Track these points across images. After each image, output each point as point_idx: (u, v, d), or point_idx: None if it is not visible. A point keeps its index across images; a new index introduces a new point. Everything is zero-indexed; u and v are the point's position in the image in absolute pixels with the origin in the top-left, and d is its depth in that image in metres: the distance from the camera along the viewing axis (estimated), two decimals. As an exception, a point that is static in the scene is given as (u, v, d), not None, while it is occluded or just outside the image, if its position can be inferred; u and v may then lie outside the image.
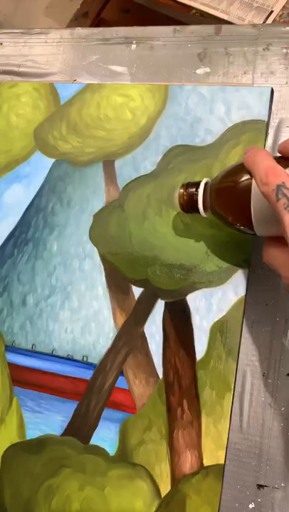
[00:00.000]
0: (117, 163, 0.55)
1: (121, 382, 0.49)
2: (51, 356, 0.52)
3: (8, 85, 0.62)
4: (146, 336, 0.49)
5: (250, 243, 0.48)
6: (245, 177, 0.40)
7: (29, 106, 0.61)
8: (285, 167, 0.37)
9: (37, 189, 0.58)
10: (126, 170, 0.54)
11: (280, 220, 0.35)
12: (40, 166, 0.58)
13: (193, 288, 0.49)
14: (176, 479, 0.45)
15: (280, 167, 0.36)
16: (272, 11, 0.87)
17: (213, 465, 0.44)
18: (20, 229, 0.57)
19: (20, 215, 0.57)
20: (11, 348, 0.53)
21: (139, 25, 0.60)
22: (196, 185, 0.46)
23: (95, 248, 0.53)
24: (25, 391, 0.52)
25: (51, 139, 0.58)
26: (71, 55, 0.61)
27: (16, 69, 0.63)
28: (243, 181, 0.40)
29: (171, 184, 0.52)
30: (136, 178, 0.54)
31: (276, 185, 0.35)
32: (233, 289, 0.47)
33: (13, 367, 0.53)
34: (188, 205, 0.46)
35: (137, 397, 0.48)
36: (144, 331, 0.49)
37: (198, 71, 0.55)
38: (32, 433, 0.50)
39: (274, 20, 0.86)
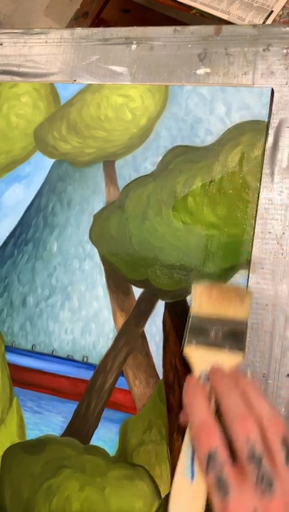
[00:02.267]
0: (118, 164, 0.55)
1: (121, 383, 0.49)
2: (51, 357, 0.52)
3: (8, 85, 0.62)
4: (147, 336, 0.49)
5: (250, 243, 0.48)
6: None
7: (29, 106, 0.61)
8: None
9: (37, 189, 0.58)
10: (126, 170, 0.54)
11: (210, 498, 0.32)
12: (41, 166, 0.58)
13: (193, 288, 0.49)
14: (176, 480, 0.45)
15: (214, 424, 0.33)
16: (272, 11, 0.87)
17: (213, 465, 0.44)
18: (21, 229, 0.57)
19: (20, 216, 0.57)
20: (11, 349, 0.53)
21: (139, 25, 0.60)
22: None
23: (95, 248, 0.53)
24: (25, 391, 0.52)
25: (51, 139, 0.58)
26: (71, 55, 0.61)
27: (15, 69, 0.63)
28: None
29: (171, 184, 0.52)
30: (136, 179, 0.54)
31: (208, 453, 0.32)
32: (233, 290, 0.47)
33: (13, 367, 0.53)
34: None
35: (137, 397, 0.48)
36: (145, 331, 0.49)
37: (198, 71, 0.55)
38: (32, 433, 0.50)
39: (274, 21, 0.86)
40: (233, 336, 0.39)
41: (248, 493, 0.30)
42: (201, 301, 0.40)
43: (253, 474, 0.30)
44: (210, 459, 0.32)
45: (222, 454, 0.32)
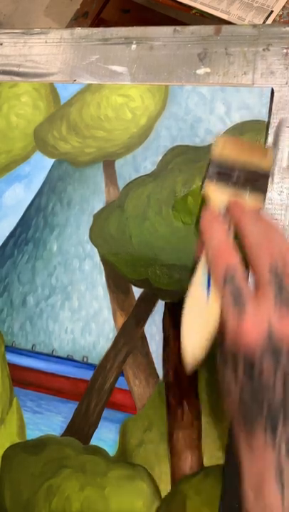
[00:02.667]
0: (118, 163, 0.55)
1: (121, 383, 0.49)
2: (51, 356, 0.52)
3: (8, 85, 0.62)
4: (147, 336, 0.49)
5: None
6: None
7: (29, 106, 0.61)
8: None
9: (37, 189, 0.58)
10: (126, 170, 0.54)
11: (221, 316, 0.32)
12: (40, 166, 0.58)
13: (193, 288, 0.49)
14: (176, 480, 0.45)
15: (233, 246, 0.33)
16: (272, 11, 0.87)
17: (213, 465, 0.44)
18: (21, 229, 0.57)
19: (20, 215, 0.57)
20: (11, 349, 0.53)
21: (139, 25, 0.60)
22: None
23: (95, 248, 0.53)
24: (25, 391, 0.52)
25: (51, 139, 0.58)
26: (71, 55, 0.61)
27: (15, 69, 0.63)
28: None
29: (171, 184, 0.52)
30: (136, 178, 0.54)
31: (225, 268, 0.32)
32: (234, 290, 0.47)
33: (13, 367, 0.53)
34: None
35: (137, 397, 0.48)
36: (145, 331, 0.49)
37: (198, 71, 0.55)
38: (32, 433, 0.50)
39: (274, 21, 0.86)
40: (256, 181, 0.37)
41: (265, 309, 0.30)
42: (224, 148, 0.39)
43: (272, 292, 0.30)
44: (227, 274, 0.31)
45: (240, 272, 0.31)
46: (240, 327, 0.30)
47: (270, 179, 0.49)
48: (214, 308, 0.32)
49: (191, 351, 0.33)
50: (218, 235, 0.34)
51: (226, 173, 0.38)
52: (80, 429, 0.49)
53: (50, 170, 0.58)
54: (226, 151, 0.39)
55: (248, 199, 0.37)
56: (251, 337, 0.29)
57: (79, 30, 0.62)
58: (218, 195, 0.37)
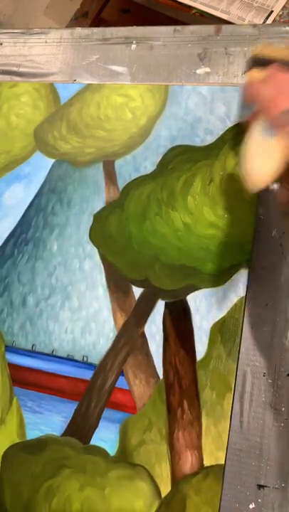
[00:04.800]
0: (117, 163, 0.55)
1: (121, 383, 0.49)
2: (51, 356, 0.52)
3: (8, 85, 0.62)
4: (147, 336, 0.49)
5: (250, 243, 0.48)
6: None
7: (29, 106, 0.61)
8: None
9: (37, 189, 0.58)
10: (126, 170, 0.54)
11: None
12: (40, 166, 0.58)
13: (193, 288, 0.49)
14: (176, 479, 0.45)
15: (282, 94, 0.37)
16: (272, 11, 0.87)
17: (213, 465, 0.44)
18: (21, 229, 0.57)
19: (20, 215, 0.57)
20: (11, 349, 0.53)
21: (139, 25, 0.60)
22: None
23: (95, 248, 0.53)
24: (25, 391, 0.52)
25: (51, 139, 0.58)
26: (71, 55, 0.61)
27: (15, 69, 0.63)
28: None
29: (171, 184, 0.52)
30: (136, 178, 0.54)
31: (284, 110, 0.36)
32: (233, 289, 0.47)
33: (13, 367, 0.53)
34: None
35: (138, 397, 0.48)
36: (145, 331, 0.49)
37: (198, 71, 0.55)
38: (32, 433, 0.50)
39: (274, 20, 0.86)
40: None
41: None
42: (263, 49, 0.46)
43: None
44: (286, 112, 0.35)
45: None
46: None
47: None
48: (277, 147, 0.37)
49: (254, 181, 0.39)
50: (267, 91, 0.38)
51: (265, 64, 0.42)
52: (80, 428, 0.49)
53: (50, 170, 0.58)
54: (265, 51, 0.44)
55: None
56: None
57: (79, 30, 0.62)
58: (259, 74, 0.41)
